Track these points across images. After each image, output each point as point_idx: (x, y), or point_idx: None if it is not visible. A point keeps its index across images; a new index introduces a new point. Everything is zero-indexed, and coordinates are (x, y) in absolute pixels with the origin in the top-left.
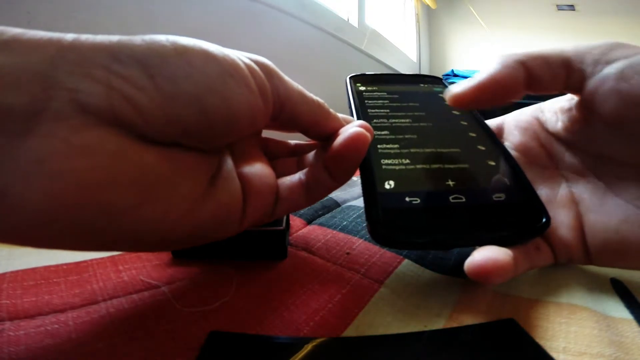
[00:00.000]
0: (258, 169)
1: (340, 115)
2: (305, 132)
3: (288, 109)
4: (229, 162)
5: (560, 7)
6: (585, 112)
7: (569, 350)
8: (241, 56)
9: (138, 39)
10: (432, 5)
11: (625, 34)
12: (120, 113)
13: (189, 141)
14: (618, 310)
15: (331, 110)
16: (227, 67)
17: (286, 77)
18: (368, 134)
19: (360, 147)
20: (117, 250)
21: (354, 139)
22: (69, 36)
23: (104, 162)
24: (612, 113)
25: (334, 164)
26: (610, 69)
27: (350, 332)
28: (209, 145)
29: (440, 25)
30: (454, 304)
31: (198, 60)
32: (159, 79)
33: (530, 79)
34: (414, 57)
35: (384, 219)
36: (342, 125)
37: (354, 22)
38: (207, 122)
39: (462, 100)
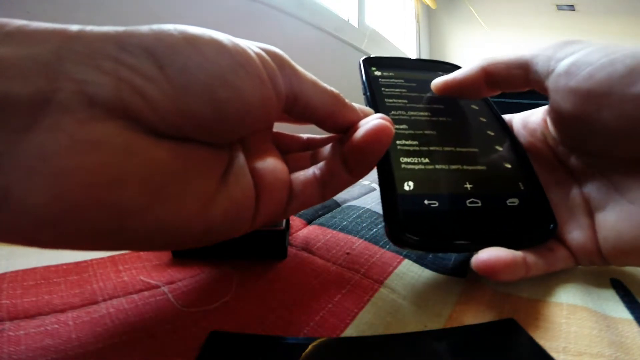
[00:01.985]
0: (271, 164)
1: (356, 105)
2: (321, 124)
3: (302, 101)
4: (241, 158)
5: (560, 7)
6: (557, 113)
7: (568, 351)
8: (251, 45)
9: (145, 28)
10: (432, 5)
11: (625, 34)
12: (130, 105)
13: (200, 135)
14: (618, 310)
15: (347, 101)
16: (238, 58)
17: (299, 67)
18: (392, 127)
19: (384, 141)
20: (126, 249)
21: (377, 132)
22: (74, 27)
23: (112, 159)
24: (571, 109)
25: (354, 158)
26: (560, 68)
27: (350, 332)
28: (220, 139)
29: (440, 25)
30: (454, 304)
31: (209, 49)
32: (169, 69)
33: (491, 80)
34: (414, 57)
35: (403, 222)
36: (359, 117)
37: (354, 22)
38: (220, 114)
39: (438, 90)
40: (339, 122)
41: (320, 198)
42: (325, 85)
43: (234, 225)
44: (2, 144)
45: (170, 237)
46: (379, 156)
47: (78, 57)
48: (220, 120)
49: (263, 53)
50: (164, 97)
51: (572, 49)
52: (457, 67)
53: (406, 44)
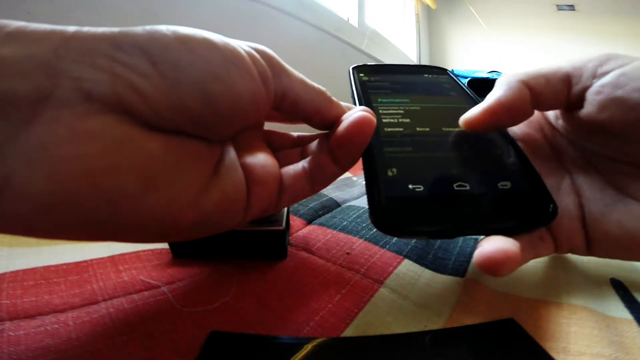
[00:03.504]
0: (261, 159)
1: (343, 103)
2: (308, 121)
3: (290, 97)
4: (232, 153)
5: (560, 7)
6: (584, 118)
7: (568, 350)
8: (242, 44)
9: (139, 29)
10: (432, 5)
11: (625, 34)
12: (125, 100)
13: (193, 129)
14: (618, 310)
15: (334, 98)
16: (229, 55)
17: (287, 66)
18: (373, 118)
19: (366, 131)
20: (121, 240)
21: (359, 123)
22: (71, 28)
23: (108, 149)
24: (609, 119)
25: (339, 149)
26: (606, 79)
27: (350, 332)
28: (213, 133)
29: (440, 25)
30: (454, 304)
31: (200, 48)
32: (162, 66)
33: (535, 98)
34: (414, 57)
35: (386, 207)
36: (344, 112)
37: (354, 22)
38: (211, 108)
39: (474, 124)
40: (326, 118)
41: (310, 191)
42: (312, 83)
43: (226, 217)
44: (4, 135)
45: (163, 226)
46: (363, 146)
47: (75, 56)
48: (211, 114)
49: (253, 51)
50: (158, 92)
51: (618, 63)
52: (444, 70)
53: (406, 44)
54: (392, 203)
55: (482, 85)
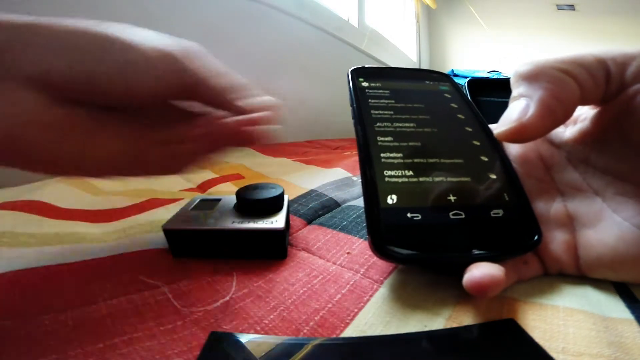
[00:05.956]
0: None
1: (258, 98)
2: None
3: (201, 89)
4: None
5: (560, 7)
6: (603, 123)
7: (568, 351)
8: (170, 43)
9: (62, 21)
10: (432, 5)
11: (625, 34)
12: (44, 80)
13: (96, 100)
14: (618, 310)
15: (252, 93)
16: (134, 56)
17: (207, 60)
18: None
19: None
20: (64, 174)
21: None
22: (24, 18)
23: (28, 109)
24: (637, 125)
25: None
26: None
27: (350, 332)
28: (109, 105)
29: (440, 25)
30: (454, 304)
31: (115, 47)
32: (78, 62)
33: (580, 90)
34: (414, 57)
35: (385, 235)
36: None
37: (354, 22)
38: (104, 91)
39: (529, 131)
40: (231, 111)
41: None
42: (228, 77)
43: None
44: None
45: (86, 163)
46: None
47: (18, 45)
48: (114, 99)
49: (168, 48)
50: (68, 77)
51: None
52: (445, 75)
53: (406, 44)
54: (391, 231)
55: (482, 85)
